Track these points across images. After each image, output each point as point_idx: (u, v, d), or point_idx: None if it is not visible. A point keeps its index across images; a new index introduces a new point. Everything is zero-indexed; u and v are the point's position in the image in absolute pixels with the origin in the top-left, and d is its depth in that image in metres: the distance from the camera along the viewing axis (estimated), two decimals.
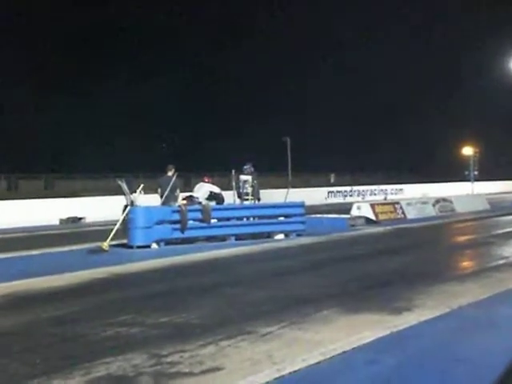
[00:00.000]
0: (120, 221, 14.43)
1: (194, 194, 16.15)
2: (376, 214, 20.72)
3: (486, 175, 48.41)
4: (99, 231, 17.01)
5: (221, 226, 15.66)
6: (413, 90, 66.89)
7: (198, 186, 16.60)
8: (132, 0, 60.87)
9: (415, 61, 68.06)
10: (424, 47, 68.94)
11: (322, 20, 64.76)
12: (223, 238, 15.47)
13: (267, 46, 61.91)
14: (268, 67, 62.56)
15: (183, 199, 15.78)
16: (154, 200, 15.59)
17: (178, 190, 15.70)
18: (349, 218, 19.92)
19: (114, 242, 14.05)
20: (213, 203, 15.94)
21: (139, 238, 14.10)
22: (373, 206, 21.29)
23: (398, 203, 22.78)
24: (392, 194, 40.93)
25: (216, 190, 16.41)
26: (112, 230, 14.12)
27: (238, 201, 16.83)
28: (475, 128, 55.52)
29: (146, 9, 60.36)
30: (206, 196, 16.04)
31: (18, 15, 53.84)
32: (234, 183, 16.91)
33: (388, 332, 6.22)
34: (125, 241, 14.31)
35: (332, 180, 54.96)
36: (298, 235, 16.33)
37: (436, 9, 69.17)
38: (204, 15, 64.02)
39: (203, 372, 5.17)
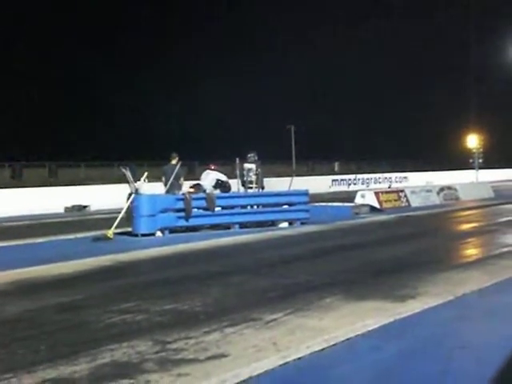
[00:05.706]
0: (124, 209, 14.47)
1: (201, 182, 16.15)
2: (380, 202, 20.71)
3: (490, 163, 48.27)
4: (104, 219, 17.06)
5: (225, 214, 15.67)
6: (418, 78, 66.69)
7: (204, 173, 16.58)
8: None
9: (422, 48, 67.78)
10: (429, 35, 68.56)
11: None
12: (227, 226, 15.49)
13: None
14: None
15: (191, 187, 15.79)
16: (158, 188, 15.61)
17: (182, 179, 15.71)
18: (353, 207, 19.92)
19: (118, 230, 14.10)
20: (217, 191, 15.95)
21: (143, 226, 14.13)
22: (377, 194, 21.26)
23: (402, 191, 22.76)
24: (396, 182, 40.93)
25: (223, 177, 16.40)
26: (116, 218, 14.17)
27: (242, 189, 16.81)
28: (480, 116, 55.31)
29: None
30: (213, 184, 16.04)
31: None
32: (238, 171, 16.88)
33: (392, 319, 6.23)
34: (129, 229, 14.35)
35: (336, 168, 54.91)
36: (302, 223, 16.33)
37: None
38: None
39: (208, 359, 5.19)
